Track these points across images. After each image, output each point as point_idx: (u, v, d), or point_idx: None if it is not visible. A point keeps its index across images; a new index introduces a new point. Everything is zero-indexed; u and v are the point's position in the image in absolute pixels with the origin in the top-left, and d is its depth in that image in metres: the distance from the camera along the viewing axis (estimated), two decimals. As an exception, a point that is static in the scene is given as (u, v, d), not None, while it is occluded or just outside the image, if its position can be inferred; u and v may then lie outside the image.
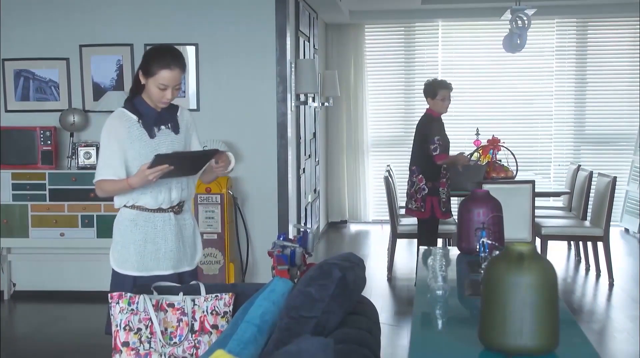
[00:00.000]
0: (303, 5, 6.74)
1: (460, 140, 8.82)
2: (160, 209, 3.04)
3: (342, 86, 8.70)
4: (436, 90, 5.50)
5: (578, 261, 6.86)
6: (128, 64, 5.61)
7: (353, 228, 9.02)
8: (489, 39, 8.79)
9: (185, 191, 3.12)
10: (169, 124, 3.07)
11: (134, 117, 3.00)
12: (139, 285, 2.93)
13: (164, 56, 2.93)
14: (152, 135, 3.00)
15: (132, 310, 2.70)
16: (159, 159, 2.81)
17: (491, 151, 6.16)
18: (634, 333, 4.76)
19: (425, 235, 5.66)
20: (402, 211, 6.23)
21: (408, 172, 5.67)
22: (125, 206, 3.06)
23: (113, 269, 3.08)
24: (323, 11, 7.89)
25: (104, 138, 3.00)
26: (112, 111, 5.18)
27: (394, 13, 8.69)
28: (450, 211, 5.72)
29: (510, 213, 4.82)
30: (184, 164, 2.97)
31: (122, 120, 2.99)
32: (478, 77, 8.91)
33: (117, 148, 2.96)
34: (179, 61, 2.95)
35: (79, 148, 5.46)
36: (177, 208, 3.10)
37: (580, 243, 6.77)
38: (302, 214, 6.70)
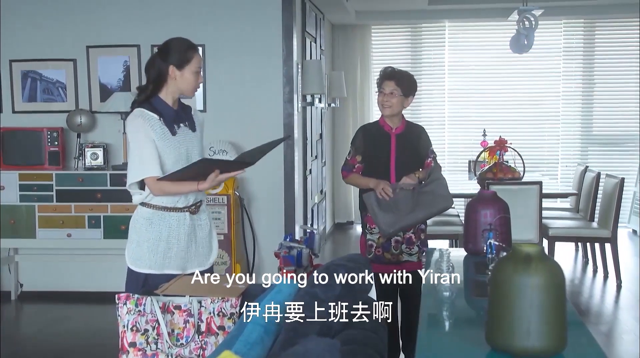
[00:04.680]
0: (309, 6, 6.74)
1: (468, 141, 8.82)
2: (175, 209, 3.08)
3: (349, 87, 8.70)
4: (379, 82, 3.99)
5: (585, 263, 6.83)
6: (135, 65, 5.61)
7: (359, 229, 8.99)
8: (496, 39, 8.78)
9: (202, 192, 3.15)
10: (187, 123, 3.14)
11: (155, 116, 3.03)
12: (147, 285, 2.97)
13: (186, 41, 3.08)
14: (173, 132, 3.05)
15: (140, 311, 2.70)
16: (205, 163, 2.97)
17: (498, 152, 6.14)
18: (642, 335, 4.74)
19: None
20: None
21: None
22: (142, 203, 3.09)
23: (128, 267, 3.13)
24: (329, 12, 7.89)
25: (134, 137, 3.01)
26: (119, 112, 5.34)
27: (401, 14, 8.69)
28: (394, 263, 3.78)
29: (518, 214, 4.78)
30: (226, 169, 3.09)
31: (145, 118, 3.02)
32: (485, 78, 8.90)
33: (150, 143, 2.99)
34: None
35: (86, 149, 5.47)
36: (194, 208, 3.14)
37: (588, 244, 6.74)
38: (309, 215, 6.70)
